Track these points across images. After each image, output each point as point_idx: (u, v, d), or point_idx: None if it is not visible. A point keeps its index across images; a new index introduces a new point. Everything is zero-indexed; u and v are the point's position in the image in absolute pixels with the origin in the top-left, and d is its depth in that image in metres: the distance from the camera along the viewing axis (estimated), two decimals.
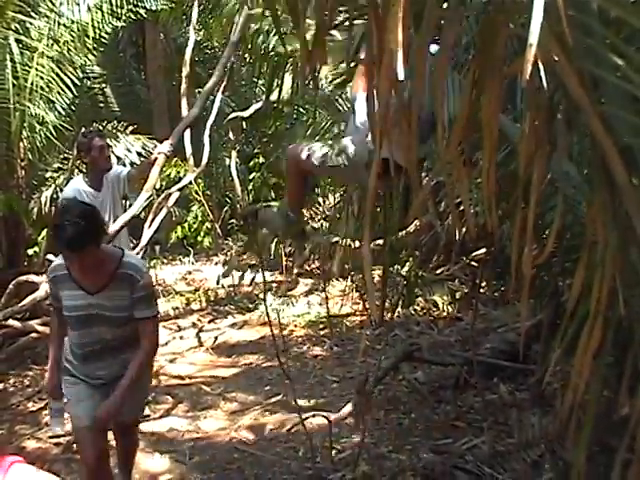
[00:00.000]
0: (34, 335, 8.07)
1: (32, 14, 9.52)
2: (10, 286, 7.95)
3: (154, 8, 11.31)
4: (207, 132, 8.25)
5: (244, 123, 13.77)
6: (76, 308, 4.12)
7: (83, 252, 3.83)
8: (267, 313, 5.53)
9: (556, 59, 1.49)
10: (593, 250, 2.21)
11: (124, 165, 9.26)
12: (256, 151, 14.43)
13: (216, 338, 9.11)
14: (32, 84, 9.31)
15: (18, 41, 9.29)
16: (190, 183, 8.67)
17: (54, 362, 4.44)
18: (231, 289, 10.87)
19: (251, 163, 13.73)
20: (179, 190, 7.90)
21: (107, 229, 3.84)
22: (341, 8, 2.39)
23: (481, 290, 8.01)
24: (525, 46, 2.18)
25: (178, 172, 11.31)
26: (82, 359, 4.28)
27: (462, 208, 3.46)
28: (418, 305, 8.87)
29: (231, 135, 14.41)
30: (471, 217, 2.45)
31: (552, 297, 4.81)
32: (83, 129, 8.31)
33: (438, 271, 9.28)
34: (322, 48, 2.03)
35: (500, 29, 1.77)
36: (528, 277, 2.29)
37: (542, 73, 1.72)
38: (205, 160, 8.16)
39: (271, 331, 5.62)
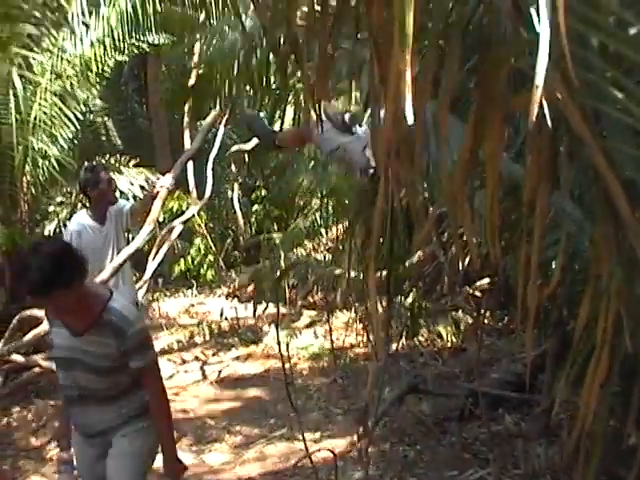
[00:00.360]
0: (37, 370, 8.04)
1: (35, 49, 9.59)
2: (14, 321, 7.94)
3: (156, 42, 11.40)
4: (210, 165, 8.28)
5: (246, 156, 13.82)
6: (59, 348, 3.85)
7: (49, 298, 3.54)
8: (278, 343, 5.52)
9: (559, 96, 1.50)
10: (598, 283, 2.21)
11: (127, 199, 9.28)
12: (258, 184, 14.50)
13: (220, 371, 9.09)
14: (35, 118, 9.37)
15: (21, 76, 9.36)
16: (193, 216, 8.70)
17: (64, 409, 4.18)
18: (234, 322, 10.86)
19: (253, 196, 13.77)
20: (182, 223, 7.92)
21: (85, 269, 3.64)
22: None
23: (485, 320, 8.00)
24: (526, 80, 2.20)
25: (181, 205, 11.35)
26: (68, 404, 4.00)
27: (465, 239, 3.48)
28: (422, 336, 8.85)
29: (233, 168, 14.47)
30: (474, 249, 2.46)
31: (557, 327, 4.80)
32: (86, 163, 8.35)
33: (442, 302, 9.25)
34: (325, 84, 2.05)
35: (502, 64, 1.79)
36: (533, 310, 2.29)
37: (545, 109, 1.73)
38: (208, 193, 8.19)
39: (282, 364, 5.60)
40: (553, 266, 3.37)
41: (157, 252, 7.62)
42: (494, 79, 1.80)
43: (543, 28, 1.12)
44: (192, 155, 7.59)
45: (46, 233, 10.05)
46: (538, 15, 1.20)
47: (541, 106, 1.83)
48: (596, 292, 2.26)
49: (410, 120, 1.18)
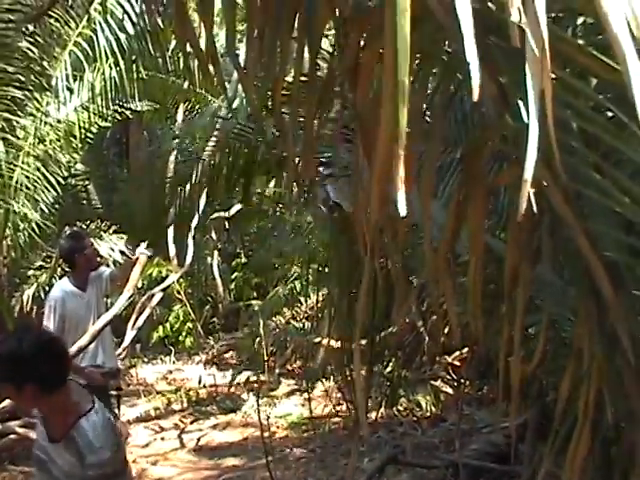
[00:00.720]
0: (13, 437, 7.94)
1: (19, 113, 9.63)
2: None
3: (139, 109, 11.50)
4: (191, 233, 8.30)
5: (226, 223, 13.84)
6: (37, 445, 3.46)
7: (17, 388, 3.17)
8: (258, 412, 5.48)
9: (544, 182, 1.53)
10: (579, 358, 2.23)
11: (107, 265, 9.26)
12: (238, 250, 14.50)
13: (198, 439, 9.00)
14: (17, 182, 9.39)
15: (4, 139, 9.40)
16: (172, 283, 8.69)
17: None
18: (213, 389, 10.78)
19: (233, 263, 13.76)
20: (162, 290, 7.91)
21: (65, 373, 3.33)
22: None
23: (465, 390, 7.99)
24: (507, 160, 2.24)
25: (160, 271, 11.33)
26: None
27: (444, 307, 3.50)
28: (401, 405, 8.81)
29: (213, 234, 14.48)
30: (455, 322, 2.47)
31: (537, 398, 4.80)
32: (67, 229, 8.36)
33: (421, 371, 9.23)
34: (310, 161, 2.08)
35: (484, 146, 1.82)
36: (517, 384, 2.31)
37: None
38: (189, 260, 8.20)
39: (261, 433, 5.57)
40: (532, 332, 3.40)
41: (136, 319, 7.60)
42: (477, 159, 1.84)
43: (531, 119, 1.15)
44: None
45: (25, 297, 9.98)
46: (524, 103, 1.23)
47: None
48: (577, 367, 2.28)
49: (403, 211, 1.20)
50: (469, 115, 3.97)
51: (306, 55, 1.83)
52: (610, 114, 1.91)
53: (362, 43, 1.67)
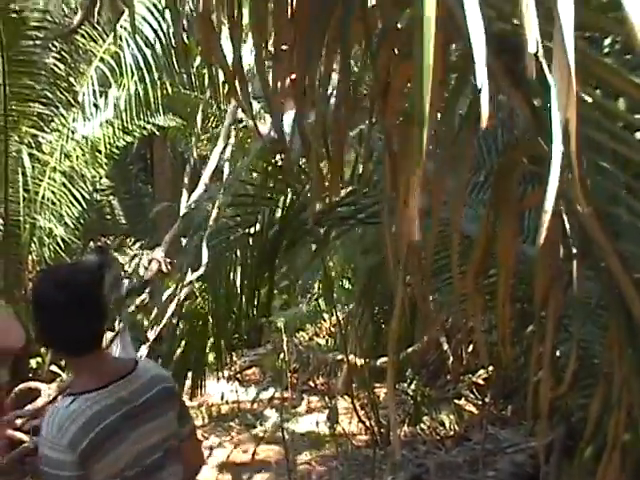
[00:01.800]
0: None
1: (45, 129, 9.70)
2: (12, 394, 7.88)
3: (164, 125, 11.55)
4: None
5: (250, 239, 13.79)
6: None
7: None
8: (282, 429, 5.47)
9: (575, 203, 1.52)
10: (609, 380, 2.21)
11: (131, 280, 9.28)
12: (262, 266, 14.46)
13: (220, 456, 8.98)
14: (43, 197, 9.44)
15: (30, 155, 9.45)
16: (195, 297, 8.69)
17: None
18: (235, 405, 10.76)
19: (257, 280, 13.74)
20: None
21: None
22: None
23: (489, 409, 7.94)
24: (540, 179, 2.22)
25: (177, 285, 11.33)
26: None
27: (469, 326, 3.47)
28: (425, 424, 8.76)
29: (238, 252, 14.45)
30: (483, 344, 2.46)
31: (563, 417, 4.77)
32: (91, 243, 8.41)
33: (445, 389, 9.19)
34: (336, 179, 2.07)
35: (516, 167, 1.81)
36: (545, 407, 2.28)
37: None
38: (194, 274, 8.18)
39: (285, 450, 5.55)
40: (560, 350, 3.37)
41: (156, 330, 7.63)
42: (507, 180, 1.83)
43: (555, 147, 1.14)
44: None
45: None
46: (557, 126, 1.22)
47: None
48: (607, 389, 2.26)
49: (416, 236, 1.19)
50: (499, 136, 3.97)
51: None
52: None
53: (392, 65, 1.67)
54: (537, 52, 1.08)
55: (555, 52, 1.09)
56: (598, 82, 1.74)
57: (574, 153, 1.19)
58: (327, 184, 1.98)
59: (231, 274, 13.65)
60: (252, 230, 9.87)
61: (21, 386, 7.97)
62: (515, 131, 1.89)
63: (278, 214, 5.37)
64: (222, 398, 10.71)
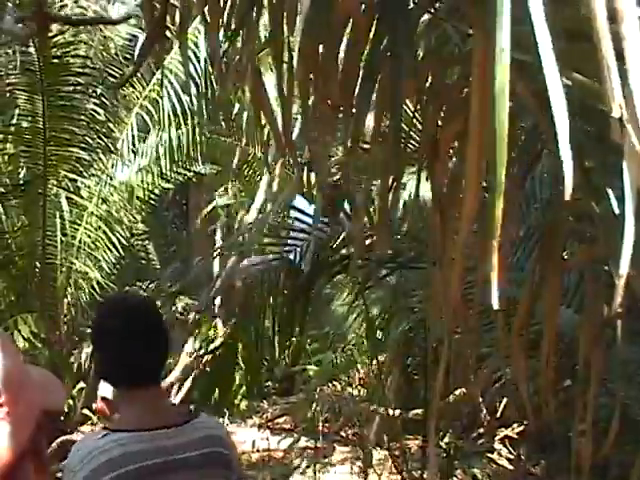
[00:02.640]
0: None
1: (84, 174, 9.81)
2: (54, 445, 7.87)
3: (201, 172, 11.65)
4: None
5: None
6: None
7: None
8: None
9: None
10: None
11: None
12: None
13: None
14: (80, 241, 9.53)
15: (68, 199, 9.56)
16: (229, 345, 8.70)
17: None
18: (265, 454, 10.69)
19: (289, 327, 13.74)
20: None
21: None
22: None
23: (522, 464, 7.83)
24: (582, 237, 2.22)
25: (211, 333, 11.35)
26: None
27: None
28: (457, 477, 8.65)
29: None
30: (527, 401, 2.43)
31: (601, 473, 4.69)
32: (126, 287, 8.45)
33: (478, 443, 9.09)
34: (386, 236, 2.08)
35: (562, 223, 1.81)
36: (587, 466, 2.26)
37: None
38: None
39: None
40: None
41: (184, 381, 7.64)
42: (554, 239, 1.82)
43: (628, 214, 1.13)
44: None
45: (84, 356, 10.06)
46: (616, 193, 1.22)
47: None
48: None
49: (495, 304, 1.19)
50: (537, 186, 3.96)
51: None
52: None
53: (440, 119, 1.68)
54: (621, 117, 1.09)
55: (630, 120, 1.09)
56: None
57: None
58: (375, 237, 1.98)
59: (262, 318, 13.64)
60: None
61: (63, 439, 7.98)
62: (560, 188, 1.88)
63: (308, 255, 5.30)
64: (253, 446, 10.65)
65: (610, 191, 1.34)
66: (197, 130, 10.45)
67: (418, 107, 1.82)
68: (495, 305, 1.20)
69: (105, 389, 7.01)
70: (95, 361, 2.86)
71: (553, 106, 1.10)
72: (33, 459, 2.09)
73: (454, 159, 1.72)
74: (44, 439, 2.15)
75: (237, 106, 11.33)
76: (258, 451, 10.69)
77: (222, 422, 12.80)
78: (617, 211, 1.28)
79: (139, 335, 2.63)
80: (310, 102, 1.80)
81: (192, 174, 11.26)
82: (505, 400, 7.12)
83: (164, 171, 10.39)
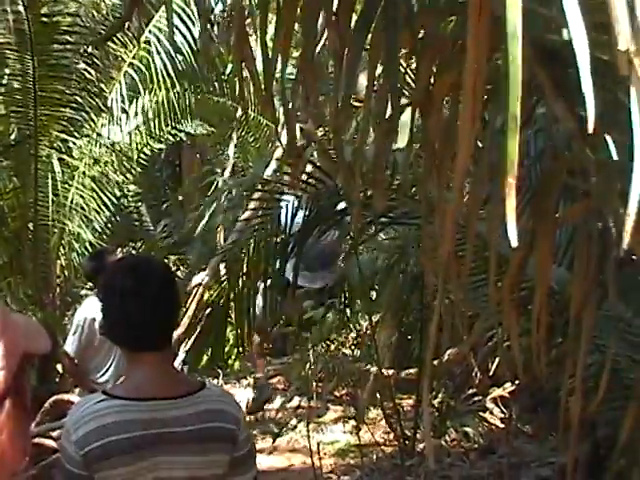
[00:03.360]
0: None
1: (75, 134, 9.75)
2: (46, 404, 7.89)
3: (193, 132, 11.59)
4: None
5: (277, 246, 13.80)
6: None
7: None
8: (308, 438, 5.46)
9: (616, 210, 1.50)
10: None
11: None
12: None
13: None
14: (72, 202, 9.48)
15: (60, 160, 9.51)
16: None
17: None
18: (260, 413, 10.74)
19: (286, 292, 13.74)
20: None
21: None
22: None
23: (514, 423, 7.89)
24: (575, 193, 2.21)
25: (211, 295, 11.35)
26: None
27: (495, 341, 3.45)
28: (449, 436, 8.71)
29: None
30: (519, 357, 2.43)
31: (589, 431, 4.73)
32: (118, 249, 8.42)
33: (470, 402, 9.14)
34: (381, 193, 2.06)
35: (556, 179, 1.79)
36: (576, 422, 2.27)
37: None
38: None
39: (312, 459, 5.52)
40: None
41: (187, 340, 7.62)
42: (547, 194, 1.81)
43: (637, 150, 1.13)
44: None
45: None
46: (615, 138, 1.21)
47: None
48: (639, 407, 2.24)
49: (514, 242, 1.18)
50: (532, 144, 3.95)
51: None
52: None
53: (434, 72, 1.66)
54: (628, 49, 1.08)
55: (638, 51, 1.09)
56: None
57: None
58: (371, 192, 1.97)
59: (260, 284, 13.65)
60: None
61: (55, 398, 7.98)
62: (552, 143, 1.87)
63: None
64: (247, 406, 10.69)
65: (609, 139, 1.33)
66: (189, 90, 10.39)
67: (412, 61, 1.80)
68: (514, 243, 1.20)
69: (67, 344, 7.03)
70: (102, 319, 2.76)
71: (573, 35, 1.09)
72: (14, 399, 2.08)
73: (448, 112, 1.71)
74: (26, 381, 2.15)
75: (230, 65, 11.28)
76: (251, 412, 10.74)
77: (220, 384, 12.88)
78: (616, 158, 1.27)
79: (147, 297, 2.57)
80: (299, 54, 1.79)
81: (184, 134, 11.20)
82: (497, 359, 7.16)
83: (155, 131, 10.33)
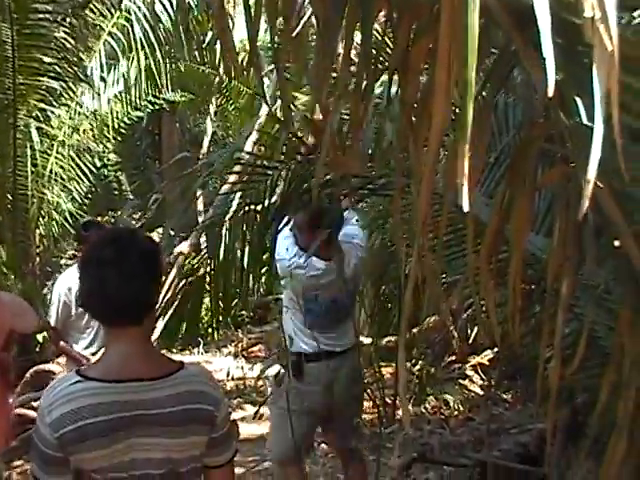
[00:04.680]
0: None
1: (54, 103, 9.70)
2: (27, 375, 7.91)
3: (173, 100, 11.54)
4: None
5: (257, 216, 13.80)
6: None
7: None
8: (288, 408, 5.47)
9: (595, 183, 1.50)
10: (618, 364, 2.20)
11: None
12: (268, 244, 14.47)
13: None
14: (51, 172, 9.44)
15: (39, 129, 9.46)
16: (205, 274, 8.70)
17: None
18: (241, 382, 10.78)
19: (264, 256, 13.76)
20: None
21: None
22: None
23: (493, 390, 7.95)
24: (551, 158, 2.21)
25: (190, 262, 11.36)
26: None
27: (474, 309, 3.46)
28: (429, 403, 8.78)
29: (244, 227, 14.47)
30: (495, 324, 2.44)
31: (568, 398, 4.77)
32: (98, 218, 8.42)
33: (450, 369, 9.21)
34: (356, 151, 2.06)
35: (533, 145, 1.80)
36: (554, 389, 2.28)
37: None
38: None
39: (291, 428, 5.54)
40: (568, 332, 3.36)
41: (166, 309, 7.63)
42: (524, 158, 1.81)
43: (597, 117, 1.13)
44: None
45: None
46: (584, 103, 1.21)
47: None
48: (616, 373, 2.26)
49: (466, 207, 1.18)
50: (510, 112, 3.96)
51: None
52: None
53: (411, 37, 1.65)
54: (594, 16, 1.08)
55: (601, 21, 1.09)
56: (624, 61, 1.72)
57: (617, 121, 1.18)
58: (347, 158, 1.96)
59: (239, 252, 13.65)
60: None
61: (36, 368, 8.00)
62: (531, 110, 1.87)
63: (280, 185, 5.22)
64: (228, 374, 10.73)
65: (580, 102, 1.34)
66: (169, 58, 10.34)
67: (388, 26, 1.79)
68: (465, 208, 1.20)
69: (49, 314, 7.02)
70: (79, 290, 2.65)
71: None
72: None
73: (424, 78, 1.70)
74: (11, 359, 2.13)
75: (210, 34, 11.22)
76: (233, 379, 10.78)
77: (200, 353, 12.91)
78: (586, 122, 1.27)
79: (125, 268, 2.48)
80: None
81: (164, 102, 11.16)
82: (476, 328, 7.21)
83: (135, 100, 10.29)
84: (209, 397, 2.62)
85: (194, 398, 2.57)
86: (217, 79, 11.98)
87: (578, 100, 1.36)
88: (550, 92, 1.11)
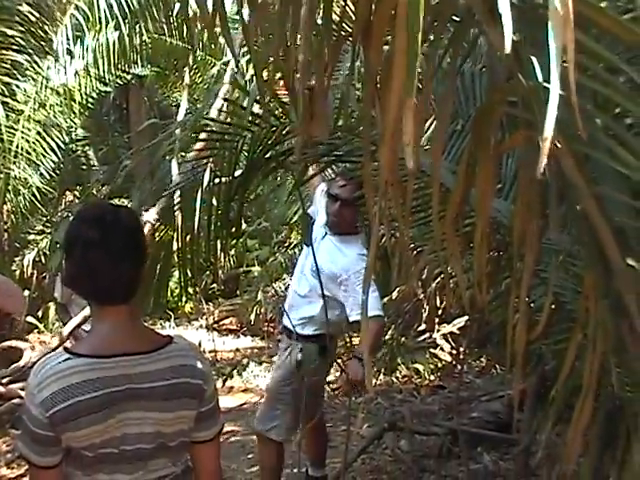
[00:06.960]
0: (17, 401, 7.92)
1: (19, 77, 9.61)
2: None
3: (141, 74, 11.46)
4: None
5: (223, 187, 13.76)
6: None
7: None
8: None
9: (556, 145, 1.51)
10: (584, 327, 2.23)
11: None
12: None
13: None
14: (17, 147, 9.37)
15: (4, 103, 9.37)
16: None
17: None
18: (212, 355, 10.80)
19: (233, 228, 13.76)
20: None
21: None
22: None
23: (463, 358, 8.02)
24: (516, 123, 2.22)
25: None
26: None
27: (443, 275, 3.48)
28: (400, 373, 8.84)
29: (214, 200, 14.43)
30: (464, 290, 2.46)
31: (536, 365, 4.81)
32: (67, 193, 8.38)
33: (420, 338, 9.26)
34: (323, 121, 2.06)
35: (495, 109, 1.81)
36: (521, 355, 2.30)
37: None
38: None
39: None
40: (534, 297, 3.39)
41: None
42: (486, 122, 1.82)
43: (553, 77, 1.14)
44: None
45: (26, 262, 10.02)
46: (543, 65, 1.22)
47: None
48: (582, 336, 2.28)
49: (410, 164, 1.19)
50: (477, 81, 3.97)
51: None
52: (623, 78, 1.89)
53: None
54: None
55: None
56: (582, 22, 1.73)
57: (572, 83, 1.20)
58: (314, 124, 1.96)
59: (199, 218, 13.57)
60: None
61: (7, 344, 7.97)
62: (495, 75, 1.88)
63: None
64: (199, 347, 10.75)
65: (536, 62, 1.35)
66: (136, 31, 10.25)
67: None
68: (410, 165, 1.21)
69: (55, 289, 7.05)
70: (64, 270, 2.63)
71: None
72: None
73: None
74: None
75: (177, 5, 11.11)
76: (205, 352, 10.80)
77: (172, 327, 12.90)
78: (541, 80, 1.28)
79: (113, 248, 2.47)
80: None
81: (131, 77, 11.08)
82: (446, 296, 7.25)
83: (102, 73, 10.21)
84: (198, 371, 2.62)
85: (183, 372, 2.58)
86: (185, 52, 11.88)
87: (535, 61, 1.37)
88: (507, 49, 1.12)
